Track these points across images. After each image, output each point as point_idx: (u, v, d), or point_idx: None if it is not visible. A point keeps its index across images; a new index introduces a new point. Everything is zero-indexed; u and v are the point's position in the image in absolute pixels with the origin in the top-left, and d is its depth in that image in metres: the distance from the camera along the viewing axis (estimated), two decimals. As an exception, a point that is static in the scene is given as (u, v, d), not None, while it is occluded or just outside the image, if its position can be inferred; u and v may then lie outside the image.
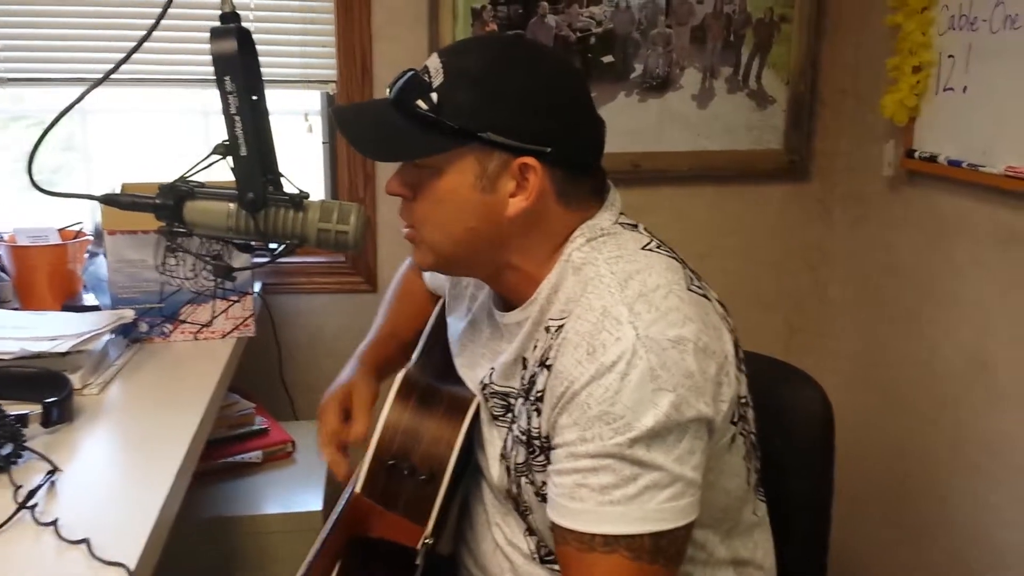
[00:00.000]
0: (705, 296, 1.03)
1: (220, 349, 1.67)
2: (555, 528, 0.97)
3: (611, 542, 0.92)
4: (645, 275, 0.99)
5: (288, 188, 1.04)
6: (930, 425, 1.97)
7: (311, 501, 1.74)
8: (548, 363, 1.00)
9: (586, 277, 1.01)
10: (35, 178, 1.01)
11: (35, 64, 1.98)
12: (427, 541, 1.07)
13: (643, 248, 1.04)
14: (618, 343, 0.93)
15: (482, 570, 1.19)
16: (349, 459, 1.19)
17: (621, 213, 1.09)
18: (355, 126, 1.06)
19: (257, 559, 1.70)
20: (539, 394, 1.01)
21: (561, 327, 1.00)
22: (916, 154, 1.93)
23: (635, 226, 1.08)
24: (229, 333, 1.74)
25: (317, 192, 2.18)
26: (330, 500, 1.79)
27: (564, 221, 1.04)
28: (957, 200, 1.86)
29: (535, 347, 1.04)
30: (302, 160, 2.18)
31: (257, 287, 2.00)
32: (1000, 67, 1.67)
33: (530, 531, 1.11)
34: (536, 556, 1.11)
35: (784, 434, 1.26)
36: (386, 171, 2.11)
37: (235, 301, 1.73)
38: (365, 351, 1.35)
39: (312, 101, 2.16)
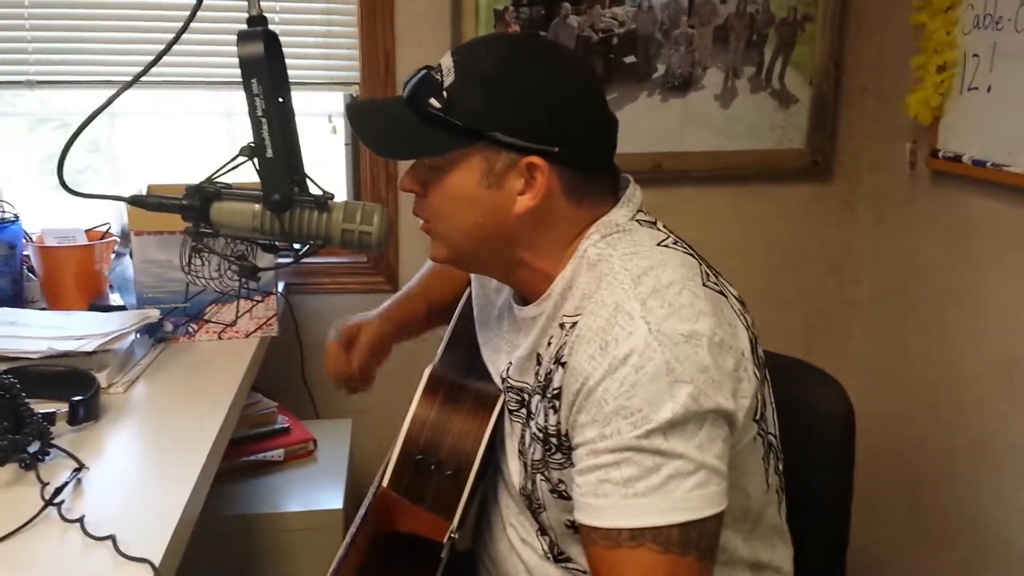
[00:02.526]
0: (721, 292, 1.02)
1: (244, 348, 1.69)
2: (582, 530, 0.96)
3: (637, 536, 0.90)
4: (659, 271, 0.98)
5: (313, 189, 1.05)
6: (952, 426, 1.95)
7: (332, 499, 1.75)
8: (563, 360, 1.00)
9: (600, 273, 1.01)
10: (64, 179, 1.02)
11: (63, 67, 2.01)
12: (453, 535, 1.08)
13: (659, 244, 1.03)
14: (630, 337, 0.93)
15: (498, 570, 1.20)
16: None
17: (639, 210, 1.08)
18: (367, 123, 1.08)
19: (278, 556, 1.71)
20: (556, 391, 1.01)
21: (575, 324, 1.00)
22: (940, 154, 1.91)
23: (653, 223, 1.08)
24: (253, 333, 1.75)
25: (340, 193, 2.19)
26: (351, 499, 1.80)
27: (575, 218, 1.04)
28: (981, 200, 1.84)
29: (549, 343, 1.04)
30: (325, 161, 2.19)
31: (280, 287, 2.01)
32: (1026, 67, 1.66)
33: (542, 530, 1.11)
34: (550, 556, 1.11)
35: (805, 434, 1.26)
36: (408, 172, 2.12)
37: (259, 301, 1.75)
38: (390, 305, 1.41)
39: (336, 103, 2.17)
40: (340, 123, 2.17)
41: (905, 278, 2.13)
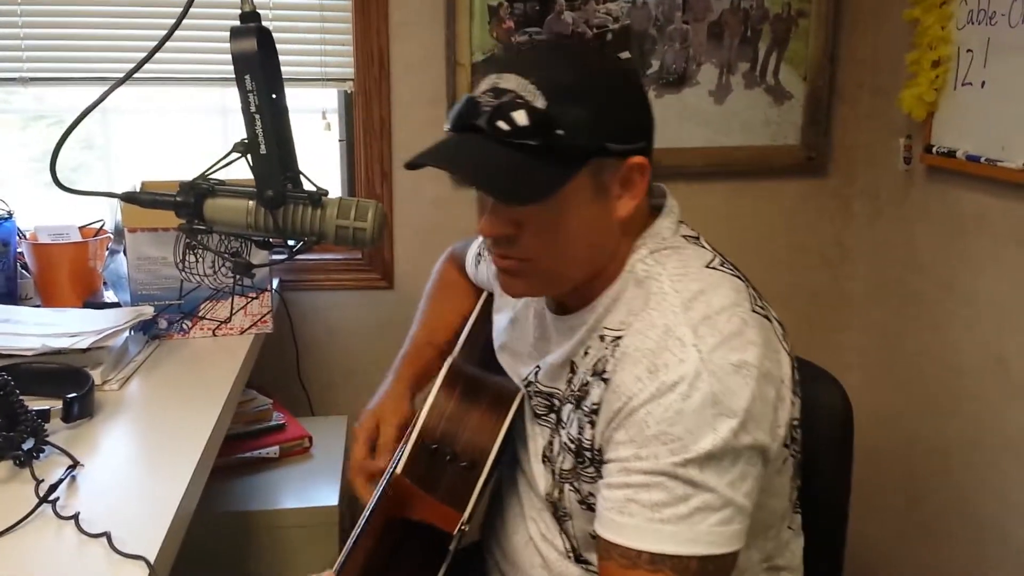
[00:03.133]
0: (767, 317, 1.01)
1: (238, 345, 1.69)
2: (600, 542, 0.96)
3: (657, 560, 0.90)
4: (710, 295, 0.98)
5: (306, 186, 1.04)
6: (949, 422, 1.95)
7: (328, 496, 1.75)
8: (605, 376, 0.99)
9: (648, 291, 0.99)
10: (58, 176, 1.02)
11: (57, 64, 2.00)
12: (464, 527, 1.08)
13: (707, 265, 1.02)
14: (681, 365, 0.92)
15: (511, 562, 1.19)
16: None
17: (680, 222, 1.07)
18: (478, 171, 0.96)
19: (274, 553, 1.71)
20: (594, 407, 1.00)
21: (618, 339, 0.99)
22: (934, 149, 1.92)
23: (697, 238, 1.07)
24: (247, 329, 1.75)
25: (334, 190, 2.19)
26: (347, 495, 1.80)
27: (642, 217, 1.04)
28: (975, 195, 1.84)
29: (586, 353, 1.04)
30: (320, 158, 2.19)
31: (275, 284, 2.01)
32: (1019, 62, 1.66)
33: (564, 532, 1.11)
34: (571, 555, 1.11)
35: (803, 431, 1.25)
36: (402, 169, 2.11)
37: (253, 298, 1.74)
38: (403, 361, 1.36)
39: (329, 99, 2.17)
40: (334, 119, 2.17)
41: (900, 273, 2.14)
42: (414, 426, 1.14)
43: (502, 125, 0.93)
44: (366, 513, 1.17)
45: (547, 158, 0.93)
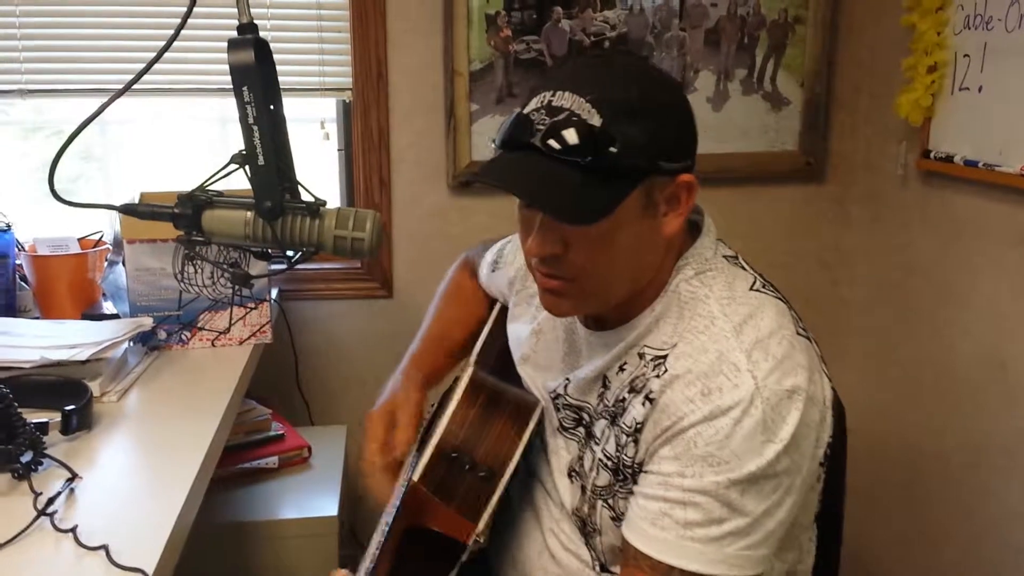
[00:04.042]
0: (808, 339, 1.02)
1: (237, 356, 1.68)
2: (629, 549, 0.97)
3: None
4: (759, 319, 0.98)
5: (305, 196, 1.04)
6: (946, 425, 1.95)
7: (327, 506, 1.75)
8: (651, 396, 0.99)
9: (696, 313, 1.00)
10: (56, 188, 1.02)
11: (56, 76, 2.01)
12: (479, 538, 1.08)
13: (751, 288, 1.03)
14: (736, 390, 0.93)
15: (520, 572, 1.18)
16: (394, 481, 1.20)
17: (719, 240, 1.08)
18: (541, 193, 0.94)
19: (273, 564, 1.71)
20: (638, 425, 1.00)
21: (661, 359, 1.00)
22: (932, 154, 1.92)
23: (736, 257, 1.08)
24: (246, 340, 1.75)
25: (333, 199, 2.19)
26: (346, 506, 1.80)
27: (682, 233, 1.04)
28: (973, 200, 1.85)
29: (621, 369, 1.04)
30: (318, 167, 2.19)
31: (274, 294, 2.01)
32: (1016, 66, 1.66)
33: (590, 545, 1.11)
34: (596, 565, 1.11)
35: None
36: (401, 179, 2.12)
37: (252, 308, 1.74)
38: (412, 359, 1.35)
39: (328, 109, 2.17)
40: (333, 129, 2.17)
41: (898, 278, 2.14)
42: (433, 433, 1.13)
43: (555, 143, 0.92)
44: (387, 518, 1.16)
45: (603, 177, 0.92)
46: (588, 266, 0.98)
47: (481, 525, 1.08)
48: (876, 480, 2.16)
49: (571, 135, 0.91)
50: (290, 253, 1.08)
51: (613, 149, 0.91)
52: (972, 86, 1.79)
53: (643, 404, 1.00)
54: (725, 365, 0.95)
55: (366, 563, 1.14)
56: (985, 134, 1.75)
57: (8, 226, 1.80)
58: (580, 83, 0.95)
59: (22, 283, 1.83)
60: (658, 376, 0.99)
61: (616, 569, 1.08)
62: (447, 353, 1.37)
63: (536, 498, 1.18)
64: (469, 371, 1.18)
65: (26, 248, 1.84)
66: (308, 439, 1.92)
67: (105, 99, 1.01)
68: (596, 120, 0.92)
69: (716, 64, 2.15)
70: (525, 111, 0.97)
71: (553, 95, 0.95)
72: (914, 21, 1.92)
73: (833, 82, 2.22)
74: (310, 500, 1.77)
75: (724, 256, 1.06)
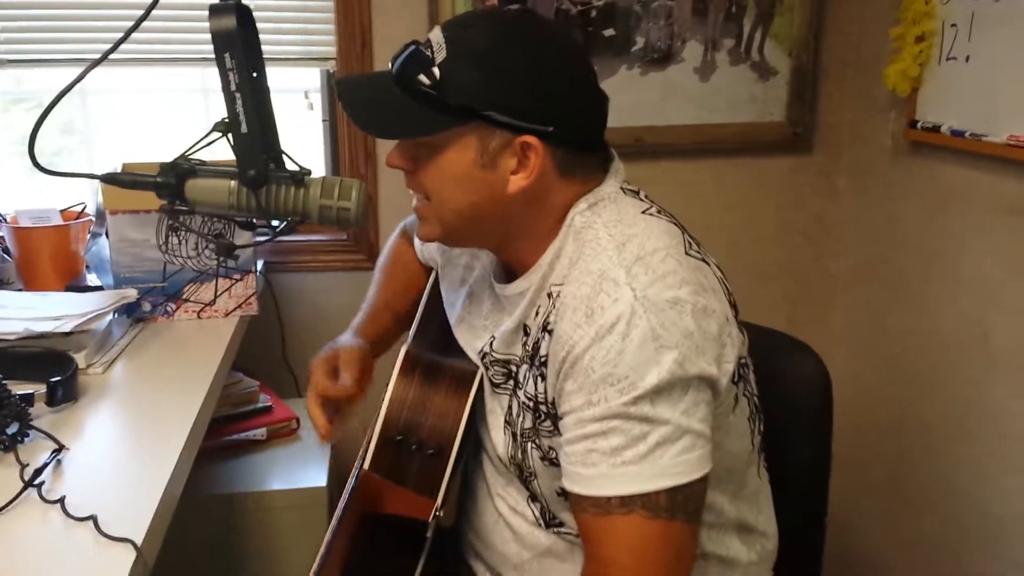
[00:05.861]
0: (704, 260, 1.03)
1: (223, 328, 1.68)
2: (571, 497, 0.98)
3: (627, 503, 0.92)
4: (643, 238, 0.99)
5: (289, 165, 1.04)
6: (931, 396, 1.97)
7: (315, 477, 1.75)
8: (549, 327, 1.01)
9: (584, 240, 1.01)
10: (37, 159, 1.01)
11: (35, 45, 1.97)
12: (438, 513, 1.08)
13: (643, 212, 1.04)
14: (616, 304, 0.94)
15: (484, 543, 1.21)
16: (339, 423, 1.22)
17: (625, 181, 1.08)
18: (356, 101, 1.05)
19: (262, 535, 1.72)
20: (543, 359, 1.02)
21: (560, 290, 1.01)
22: (919, 124, 1.92)
23: (636, 192, 1.09)
24: (232, 312, 1.74)
25: (318, 170, 2.18)
26: (335, 477, 1.80)
27: (568, 194, 1.04)
28: (960, 170, 1.85)
29: (537, 313, 1.05)
30: (303, 138, 2.17)
31: (259, 265, 2.00)
32: (1003, 36, 1.66)
33: (533, 498, 1.12)
34: (541, 522, 1.12)
35: (782, 403, 1.26)
36: (387, 148, 2.10)
37: (238, 279, 1.73)
38: (360, 324, 1.36)
39: (312, 79, 2.15)
40: (317, 99, 2.15)
41: (885, 249, 2.14)
42: (376, 420, 1.13)
43: (391, 66, 1.00)
44: (338, 512, 1.16)
45: (427, 105, 0.97)
46: (431, 189, 1.04)
47: (439, 499, 1.08)
48: (861, 450, 2.17)
49: (402, 61, 0.99)
50: (275, 223, 1.08)
51: (430, 80, 0.96)
52: (960, 56, 1.78)
53: (545, 338, 1.01)
54: (605, 283, 0.96)
55: (321, 549, 1.15)
56: (972, 104, 1.75)
57: (-11, 198, 1.78)
58: (455, 24, 1.03)
59: (4, 255, 1.82)
60: (554, 307, 1.01)
61: (564, 518, 1.10)
62: (394, 317, 1.39)
63: (484, 467, 1.20)
64: (402, 351, 1.17)
65: (8, 220, 1.82)
66: (296, 411, 1.92)
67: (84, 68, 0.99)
68: (441, 55, 0.98)
69: (703, 34, 2.14)
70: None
71: (434, 30, 1.02)
72: (902, -10, 1.91)
73: (821, 52, 2.21)
74: (298, 472, 1.77)
75: (623, 189, 1.07)
